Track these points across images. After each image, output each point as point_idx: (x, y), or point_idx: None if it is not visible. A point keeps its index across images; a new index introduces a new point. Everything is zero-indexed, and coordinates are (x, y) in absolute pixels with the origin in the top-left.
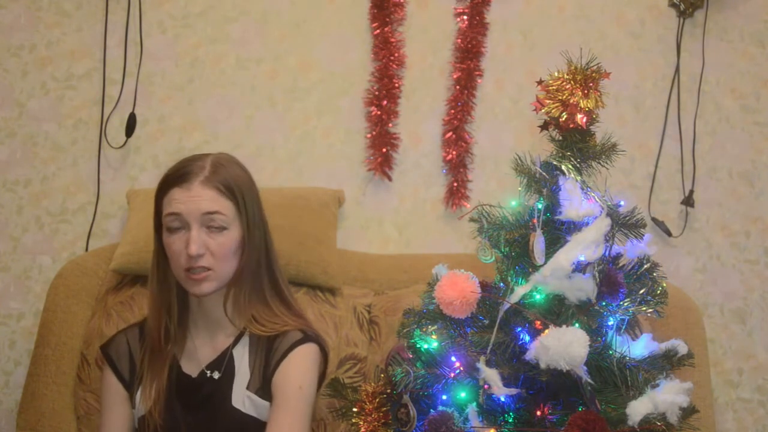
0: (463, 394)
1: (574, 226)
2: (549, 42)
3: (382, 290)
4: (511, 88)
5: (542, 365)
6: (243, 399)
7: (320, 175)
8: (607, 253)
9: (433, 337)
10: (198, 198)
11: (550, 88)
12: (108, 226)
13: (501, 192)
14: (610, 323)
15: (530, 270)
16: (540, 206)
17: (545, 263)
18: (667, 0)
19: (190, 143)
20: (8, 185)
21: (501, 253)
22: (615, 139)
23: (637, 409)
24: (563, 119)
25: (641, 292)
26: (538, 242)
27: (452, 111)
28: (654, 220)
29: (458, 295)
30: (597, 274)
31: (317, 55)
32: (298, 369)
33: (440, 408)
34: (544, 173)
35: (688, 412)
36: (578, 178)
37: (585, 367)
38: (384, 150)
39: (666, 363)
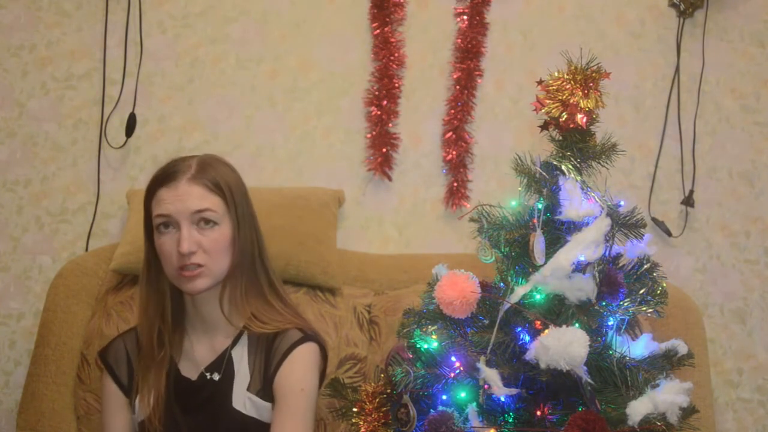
0: (463, 394)
1: (574, 226)
2: (549, 42)
3: (382, 290)
4: (511, 88)
5: (542, 365)
6: (244, 400)
7: (320, 175)
8: (607, 253)
9: (433, 337)
10: (186, 196)
11: (550, 88)
12: (108, 226)
13: (501, 192)
14: (610, 323)
15: (530, 270)
16: (540, 206)
17: (545, 263)
18: (667, 0)
19: (190, 143)
20: (8, 185)
21: (501, 253)
22: (615, 139)
23: (637, 409)
24: (563, 119)
25: (641, 292)
26: (538, 242)
27: (452, 111)
28: (654, 220)
29: (458, 295)
30: (597, 274)
31: (317, 55)
32: (300, 370)
33: (440, 408)
34: (544, 173)
35: (688, 412)
36: (578, 178)
37: (585, 367)
38: (384, 150)
39: (666, 363)
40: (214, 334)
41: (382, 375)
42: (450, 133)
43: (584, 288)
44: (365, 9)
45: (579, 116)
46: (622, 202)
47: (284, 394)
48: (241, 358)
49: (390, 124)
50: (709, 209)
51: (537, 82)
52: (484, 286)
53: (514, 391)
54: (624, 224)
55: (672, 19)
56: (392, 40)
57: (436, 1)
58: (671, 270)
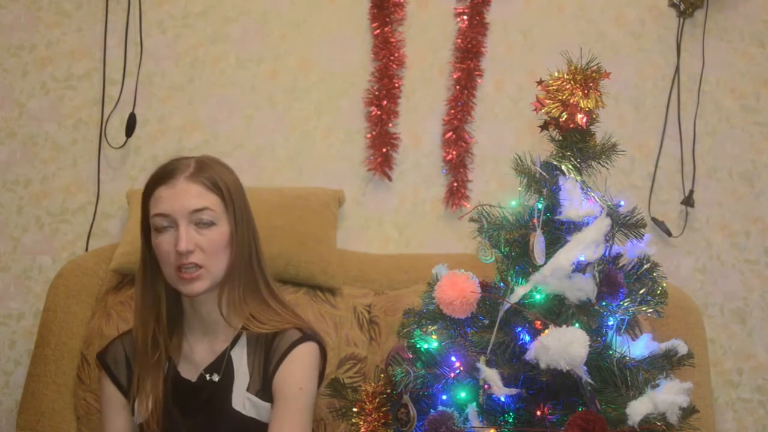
0: (463, 394)
1: (574, 226)
2: (549, 42)
3: (382, 290)
4: (511, 88)
5: (542, 365)
6: (243, 401)
7: (320, 175)
8: (607, 253)
9: (433, 337)
10: (184, 194)
11: (550, 88)
12: (108, 226)
13: (501, 192)
14: (610, 323)
15: (530, 270)
16: (540, 206)
17: (545, 263)
18: (667, 0)
19: (190, 143)
20: (8, 185)
21: (501, 253)
22: (615, 139)
23: (637, 409)
24: (563, 119)
25: (641, 292)
26: (538, 242)
27: (452, 111)
28: (654, 220)
29: (458, 295)
30: (597, 274)
31: (317, 55)
32: (299, 369)
33: (440, 408)
34: (544, 173)
35: (688, 412)
36: (578, 178)
37: (585, 367)
38: (384, 150)
39: (666, 363)
40: (213, 336)
41: (382, 375)
42: (450, 133)
43: (584, 288)
44: (365, 9)
45: (579, 116)
46: (622, 202)
47: (283, 394)
48: (240, 358)
49: (390, 124)
50: (709, 209)
51: (537, 82)
52: (484, 286)
53: (514, 391)
54: (624, 224)
55: (672, 19)
56: (392, 40)
57: (436, 1)
58: (671, 270)
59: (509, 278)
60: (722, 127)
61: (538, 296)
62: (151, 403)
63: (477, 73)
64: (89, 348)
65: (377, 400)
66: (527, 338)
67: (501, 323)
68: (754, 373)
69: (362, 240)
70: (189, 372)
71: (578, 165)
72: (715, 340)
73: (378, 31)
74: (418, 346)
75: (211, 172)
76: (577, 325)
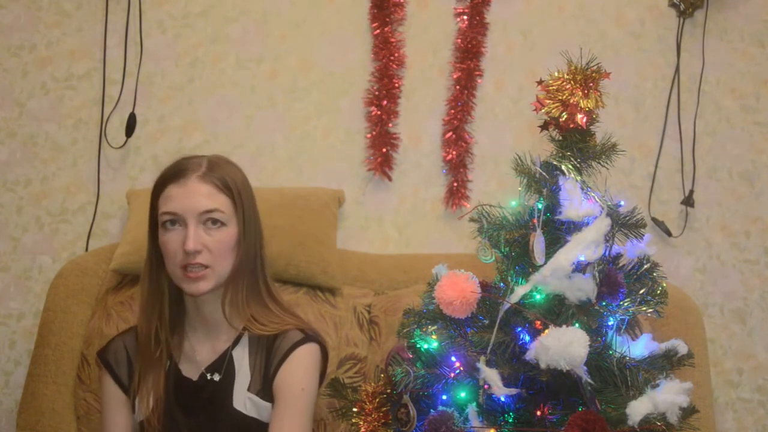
0: (463, 394)
1: (574, 226)
2: (549, 42)
3: (382, 290)
4: (511, 88)
5: (542, 365)
6: (244, 401)
7: (320, 175)
8: (607, 253)
9: (433, 337)
10: (195, 193)
11: (550, 88)
12: (108, 226)
13: (501, 192)
14: (610, 323)
15: (530, 270)
16: (540, 206)
17: (545, 263)
18: (667, 0)
19: (190, 143)
20: (8, 185)
21: (501, 253)
22: (615, 139)
23: (637, 409)
24: (563, 119)
25: (641, 292)
26: (538, 242)
27: (452, 111)
28: (654, 220)
29: (458, 295)
30: (597, 274)
31: (317, 55)
32: (300, 370)
33: (440, 408)
34: (544, 173)
35: (688, 412)
36: (578, 178)
37: (585, 367)
38: (384, 150)
39: (666, 363)
40: (215, 335)
41: (382, 375)
42: (450, 133)
43: (584, 288)
44: (365, 9)
45: (579, 116)
46: (622, 202)
47: (284, 394)
48: (241, 358)
49: (390, 124)
50: (709, 209)
51: (537, 82)
52: (484, 286)
53: (514, 391)
54: (624, 224)
55: (672, 19)
56: (392, 40)
57: (436, 1)
58: (671, 270)
59: (509, 278)
60: (722, 127)
61: (538, 296)
62: (152, 401)
63: (477, 73)
64: (89, 348)
65: (377, 400)
66: (527, 338)
67: (501, 323)
68: (754, 373)
69: (362, 240)
70: (190, 371)
71: (578, 165)
72: (715, 340)
73: (378, 31)
74: (418, 346)
75: (222, 173)
76: (577, 325)
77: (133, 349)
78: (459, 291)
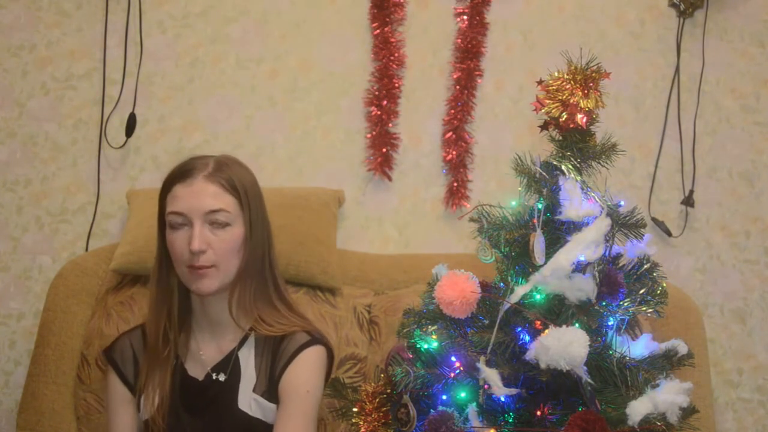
0: (463, 394)
1: (574, 226)
2: (549, 42)
3: (382, 290)
4: (511, 88)
5: (542, 365)
6: (249, 401)
7: (320, 175)
8: (607, 253)
9: (433, 337)
10: (201, 193)
11: (550, 88)
12: (108, 226)
13: (501, 192)
14: (610, 323)
15: (530, 270)
16: (540, 206)
17: (545, 263)
18: (667, 0)
19: (190, 143)
20: (8, 185)
21: (501, 253)
22: (615, 139)
23: (637, 409)
24: (563, 119)
25: (641, 292)
26: (538, 242)
27: (452, 111)
28: (654, 220)
29: (458, 295)
30: (597, 274)
31: (317, 55)
32: (306, 372)
33: (440, 408)
34: (544, 173)
35: (688, 412)
36: (578, 178)
37: (585, 367)
38: (384, 150)
39: (666, 363)
40: (221, 335)
41: (382, 375)
42: (450, 133)
43: (584, 288)
44: (365, 9)
45: (579, 116)
46: (622, 202)
47: (289, 395)
48: (247, 359)
49: (390, 124)
50: (709, 209)
51: (537, 82)
52: (484, 286)
53: (514, 391)
54: (624, 224)
55: (672, 19)
56: (392, 40)
57: (436, 1)
58: (671, 270)
59: (509, 278)
60: (722, 127)
61: (538, 296)
62: (157, 400)
63: (477, 73)
64: (89, 348)
65: (377, 400)
66: (527, 338)
67: (501, 323)
68: (754, 373)
69: (362, 240)
70: (196, 370)
71: (578, 165)
72: (715, 340)
73: (378, 31)
74: (418, 346)
75: (229, 173)
76: (577, 325)
77: (139, 347)
78: (459, 291)
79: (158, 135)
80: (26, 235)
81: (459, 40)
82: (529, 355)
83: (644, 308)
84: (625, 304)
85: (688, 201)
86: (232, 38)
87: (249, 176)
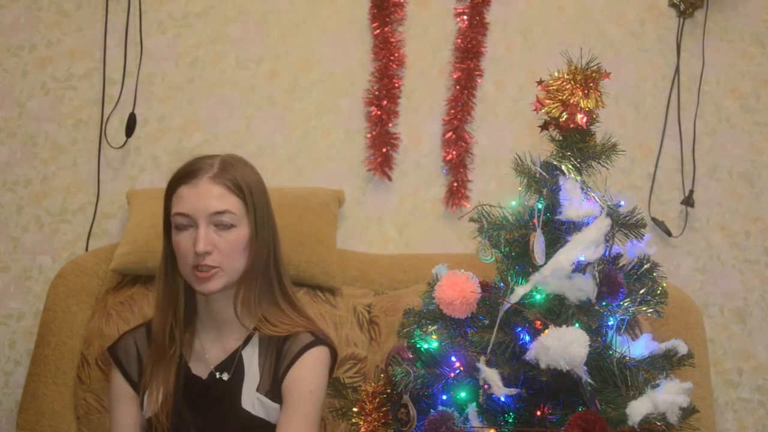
0: (463, 394)
1: (574, 226)
2: (549, 42)
3: (382, 290)
4: (511, 88)
5: (542, 365)
6: (253, 401)
7: (320, 175)
8: (607, 253)
9: (433, 337)
10: (206, 195)
11: (550, 88)
12: (108, 226)
13: (501, 192)
14: (610, 323)
15: (530, 270)
16: (540, 206)
17: (545, 263)
18: (667, 0)
19: (190, 143)
20: (8, 185)
21: (501, 253)
22: (615, 139)
23: (637, 409)
24: (563, 119)
25: (641, 292)
26: (538, 242)
27: (452, 111)
28: (654, 220)
29: (458, 295)
30: (597, 274)
31: (317, 55)
32: (310, 372)
33: (440, 408)
34: (544, 173)
35: (688, 412)
36: (578, 178)
37: (585, 367)
38: (384, 150)
39: (666, 363)
40: (225, 334)
41: (382, 375)
42: (450, 133)
43: (584, 288)
44: (365, 9)
45: (579, 116)
46: (622, 202)
47: (293, 395)
48: (251, 358)
49: (390, 124)
50: (709, 209)
51: (537, 82)
52: (484, 286)
53: (514, 391)
54: (624, 224)
55: (672, 19)
56: (392, 40)
57: (436, 1)
58: (671, 270)
59: (509, 278)
60: (722, 127)
61: (538, 296)
62: (161, 398)
63: (477, 73)
64: (89, 348)
65: (377, 400)
66: (527, 338)
67: (501, 323)
68: (754, 373)
69: (362, 240)
70: (200, 369)
71: (578, 165)
72: (715, 340)
73: (378, 31)
74: (418, 346)
75: (234, 173)
76: (577, 325)
77: (143, 345)
78: (459, 291)
79: (158, 135)
80: (26, 235)
81: (459, 40)
82: (529, 355)
83: (644, 308)
84: (625, 304)
85: (688, 201)
86: (232, 38)
87: (255, 176)
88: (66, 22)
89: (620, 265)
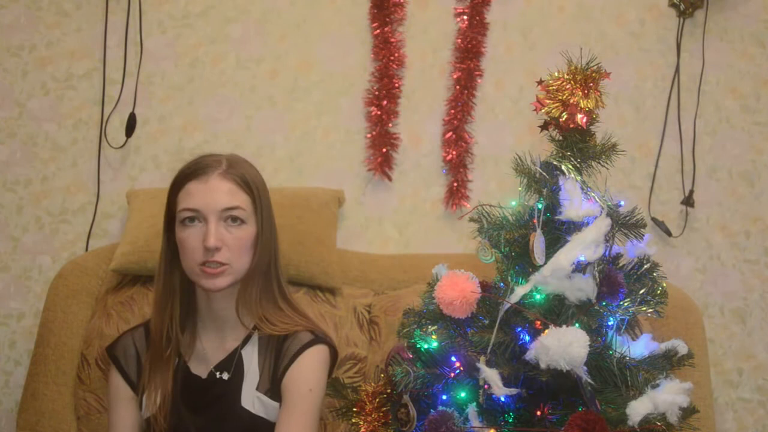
0: (463, 394)
1: (574, 226)
2: (549, 42)
3: (382, 290)
4: (511, 88)
5: (542, 365)
6: (252, 400)
7: (320, 175)
8: (607, 253)
9: (433, 337)
10: (216, 190)
11: (550, 88)
12: (108, 226)
13: (501, 192)
14: (610, 323)
15: (530, 270)
16: (540, 206)
17: (545, 263)
18: (667, 0)
19: (190, 143)
20: (8, 185)
21: (501, 253)
22: (615, 139)
23: (637, 409)
24: (563, 119)
25: (641, 292)
26: (538, 242)
27: (452, 111)
28: (654, 220)
29: (458, 295)
30: (597, 274)
31: (317, 55)
32: (309, 371)
33: (440, 408)
34: (544, 173)
35: (688, 412)
36: (578, 178)
37: (585, 367)
38: (384, 150)
39: (666, 363)
40: (225, 334)
41: (382, 375)
42: (450, 133)
43: (584, 288)
44: (365, 9)
45: (579, 116)
46: (622, 202)
47: (292, 393)
48: (251, 357)
49: (390, 124)
50: (709, 209)
51: (537, 82)
52: (484, 286)
53: (514, 391)
54: (624, 224)
55: (672, 19)
56: (392, 40)
57: (436, 1)
58: (671, 270)
59: (509, 278)
60: (722, 127)
61: (538, 296)
62: (159, 398)
63: (477, 73)
64: (89, 348)
65: (377, 400)
66: (527, 338)
67: (501, 323)
68: (754, 373)
69: (362, 240)
70: (199, 369)
71: (578, 165)
72: (715, 340)
73: (378, 31)
74: (418, 346)
75: (242, 171)
76: (577, 325)
77: (142, 345)
78: (459, 291)
79: (158, 135)
80: (26, 235)
81: (459, 40)
82: (529, 355)
83: (644, 308)
84: (625, 304)
85: (688, 201)
86: (232, 38)
87: (259, 176)
88: (66, 22)
89: (620, 265)
